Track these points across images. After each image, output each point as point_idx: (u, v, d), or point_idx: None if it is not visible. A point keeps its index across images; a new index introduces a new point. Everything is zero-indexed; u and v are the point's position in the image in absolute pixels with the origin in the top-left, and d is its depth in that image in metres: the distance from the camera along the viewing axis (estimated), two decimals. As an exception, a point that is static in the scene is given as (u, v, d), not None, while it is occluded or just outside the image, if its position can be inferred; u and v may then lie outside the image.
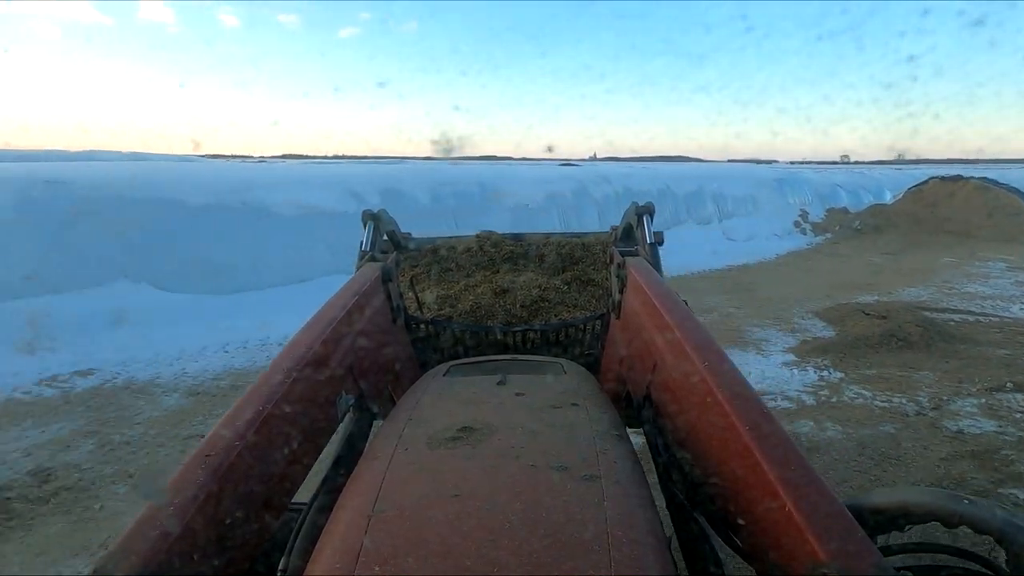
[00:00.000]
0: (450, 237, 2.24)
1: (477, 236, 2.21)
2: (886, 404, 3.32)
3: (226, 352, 4.26)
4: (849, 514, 0.60)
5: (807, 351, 4.24)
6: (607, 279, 1.88)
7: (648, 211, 1.87)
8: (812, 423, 3.09)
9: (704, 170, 13.50)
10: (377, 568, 0.56)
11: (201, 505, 0.65)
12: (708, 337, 0.97)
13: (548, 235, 2.28)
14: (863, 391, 3.51)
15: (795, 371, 3.86)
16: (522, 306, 1.88)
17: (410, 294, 1.91)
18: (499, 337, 1.77)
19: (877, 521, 0.76)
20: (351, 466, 0.89)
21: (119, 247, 4.89)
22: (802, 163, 29.35)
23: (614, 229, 2.15)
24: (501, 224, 7.11)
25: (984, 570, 0.76)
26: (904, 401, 3.36)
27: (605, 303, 1.82)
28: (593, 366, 1.69)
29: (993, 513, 0.70)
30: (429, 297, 1.94)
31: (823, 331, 4.76)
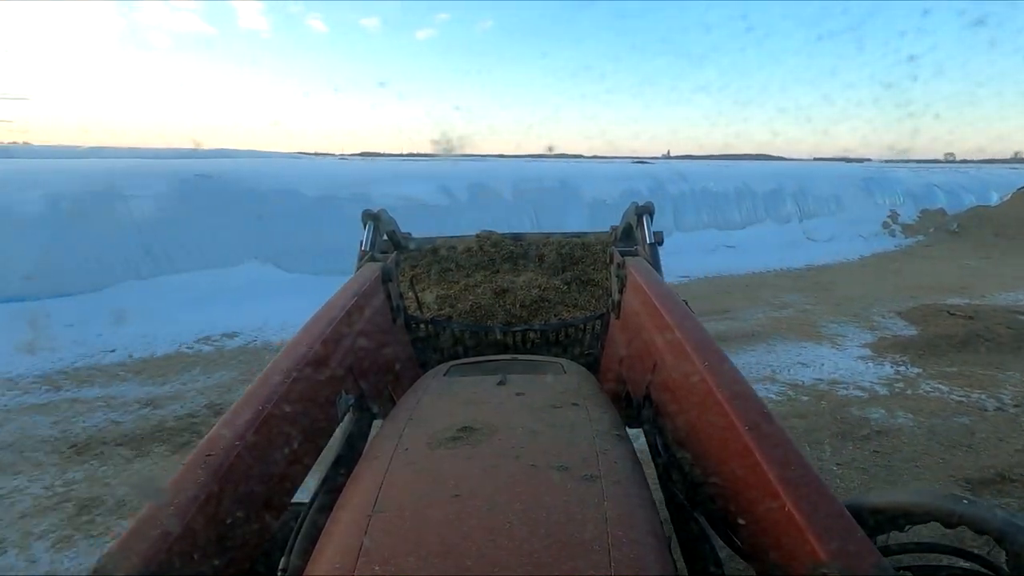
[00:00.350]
0: (450, 237, 2.26)
1: (477, 236, 2.24)
2: (963, 399, 3.39)
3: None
4: (848, 514, 0.61)
5: (885, 347, 4.29)
6: (607, 279, 1.89)
7: (648, 211, 1.89)
8: (883, 411, 3.23)
9: (786, 168, 13.15)
10: (377, 568, 0.57)
11: (201, 505, 0.66)
12: (708, 337, 0.99)
13: (548, 235, 2.30)
14: (940, 386, 3.57)
15: (870, 365, 3.96)
16: (522, 306, 1.88)
17: (410, 294, 1.93)
18: (499, 337, 1.78)
19: (877, 521, 0.76)
20: (351, 466, 0.90)
21: (250, 232, 5.69)
22: (898, 162, 27.45)
23: (614, 229, 2.17)
24: (579, 220, 7.47)
25: (984, 570, 0.76)
26: (984, 397, 3.41)
27: (605, 303, 1.83)
28: (593, 366, 1.70)
29: (992, 513, 0.70)
30: (429, 297, 1.95)
31: (904, 329, 4.76)
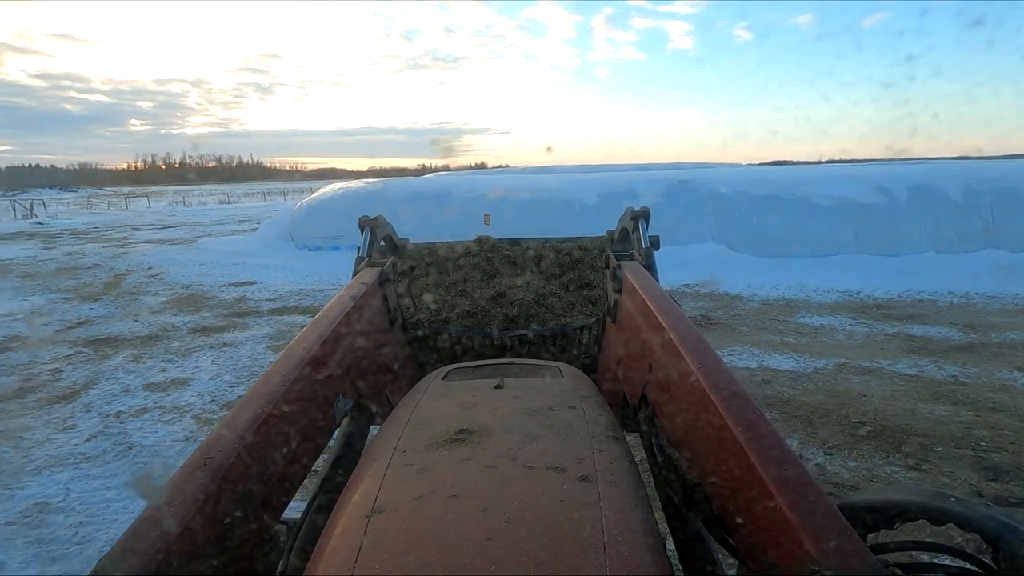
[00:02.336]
0: (448, 241, 2.32)
1: (475, 240, 2.29)
2: None
3: (775, 288, 6.56)
4: (841, 514, 0.62)
5: None
6: (604, 283, 1.90)
7: (644, 215, 1.93)
8: None
9: None
10: (377, 567, 0.58)
11: (201, 506, 0.67)
12: (702, 339, 1.01)
13: (545, 239, 2.33)
14: None
15: None
16: (519, 310, 1.89)
17: (407, 298, 1.95)
18: (496, 341, 1.80)
19: (870, 520, 0.77)
20: (350, 468, 0.93)
21: (711, 220, 7.89)
22: None
23: (610, 233, 2.22)
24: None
25: (976, 569, 0.76)
26: None
27: (602, 307, 1.85)
28: (590, 369, 1.71)
29: (981, 512, 0.71)
30: (427, 300, 1.97)
31: None
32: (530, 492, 0.68)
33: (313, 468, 0.99)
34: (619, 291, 1.49)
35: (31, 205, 25.32)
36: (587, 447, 0.80)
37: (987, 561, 0.71)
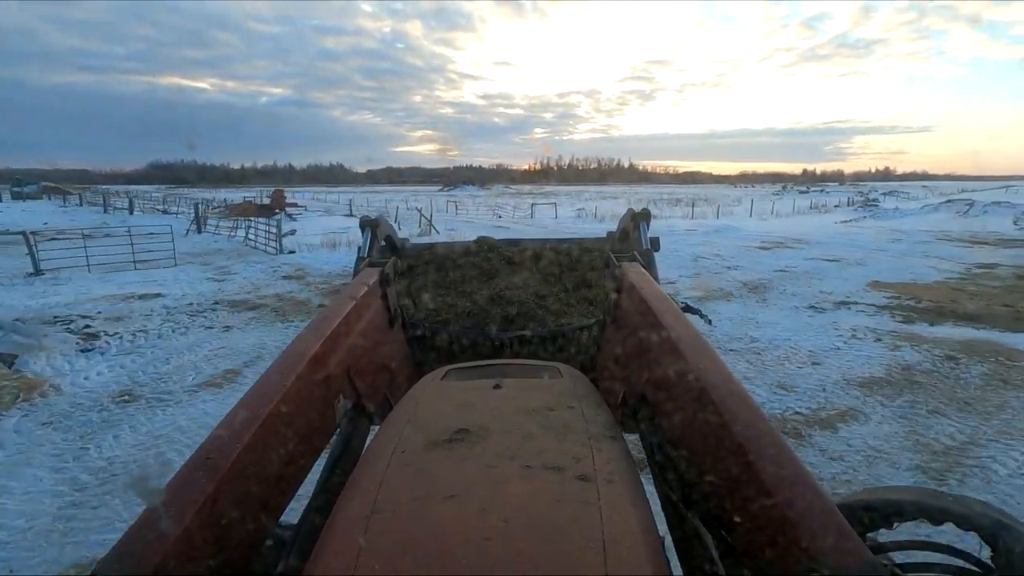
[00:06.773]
0: (448, 242, 2.29)
1: (475, 241, 2.26)
2: None
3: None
4: (839, 513, 0.60)
5: None
6: (603, 283, 1.89)
7: (644, 217, 2.00)
8: None
9: None
10: (376, 567, 0.57)
11: (200, 507, 0.66)
12: (700, 338, 1.00)
13: (545, 241, 2.31)
14: None
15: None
16: (519, 311, 1.86)
17: (407, 298, 1.92)
18: (495, 341, 1.77)
19: (868, 519, 0.77)
20: (349, 468, 0.89)
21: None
22: None
23: (610, 235, 2.28)
24: None
25: (972, 567, 0.75)
26: None
27: (601, 307, 1.80)
28: (590, 369, 1.65)
29: (978, 511, 0.71)
30: (427, 301, 1.94)
31: None
32: (528, 492, 0.68)
33: (312, 470, 0.97)
34: (618, 291, 1.49)
35: (430, 216, 20.45)
36: (585, 446, 0.80)
37: (984, 559, 0.72)
